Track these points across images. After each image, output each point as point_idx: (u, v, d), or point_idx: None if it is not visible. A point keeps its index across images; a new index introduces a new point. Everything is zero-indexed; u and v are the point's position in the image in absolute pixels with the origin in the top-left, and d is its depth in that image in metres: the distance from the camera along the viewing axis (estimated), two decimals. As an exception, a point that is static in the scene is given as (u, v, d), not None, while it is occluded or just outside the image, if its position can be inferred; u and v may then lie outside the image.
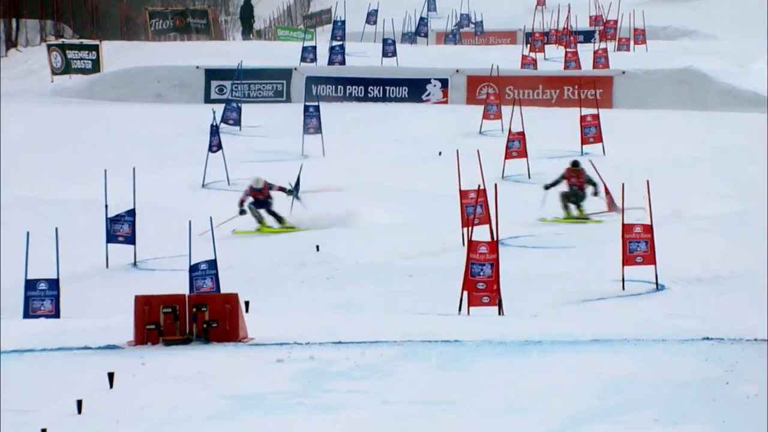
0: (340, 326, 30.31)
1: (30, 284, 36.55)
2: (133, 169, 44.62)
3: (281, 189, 47.44)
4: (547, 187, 45.46)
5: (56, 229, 37.38)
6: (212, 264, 36.32)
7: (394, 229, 46.62)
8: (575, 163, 45.02)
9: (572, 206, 44.25)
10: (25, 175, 55.15)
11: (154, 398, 24.93)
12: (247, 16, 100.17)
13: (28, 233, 36.80)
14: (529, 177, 53.93)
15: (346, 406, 24.49)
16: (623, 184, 39.12)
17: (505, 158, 54.24)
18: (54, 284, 36.37)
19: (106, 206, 43.97)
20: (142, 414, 23.97)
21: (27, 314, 36.25)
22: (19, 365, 27.66)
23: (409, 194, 51.29)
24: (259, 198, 47.09)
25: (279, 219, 47.35)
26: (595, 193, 44.10)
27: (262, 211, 47.26)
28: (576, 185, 44.05)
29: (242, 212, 47.06)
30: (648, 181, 42.25)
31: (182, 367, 26.94)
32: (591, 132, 58.21)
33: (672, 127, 64.00)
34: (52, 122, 66.85)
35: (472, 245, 36.45)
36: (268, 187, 47.07)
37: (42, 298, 36.34)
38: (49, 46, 79.22)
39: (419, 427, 23.57)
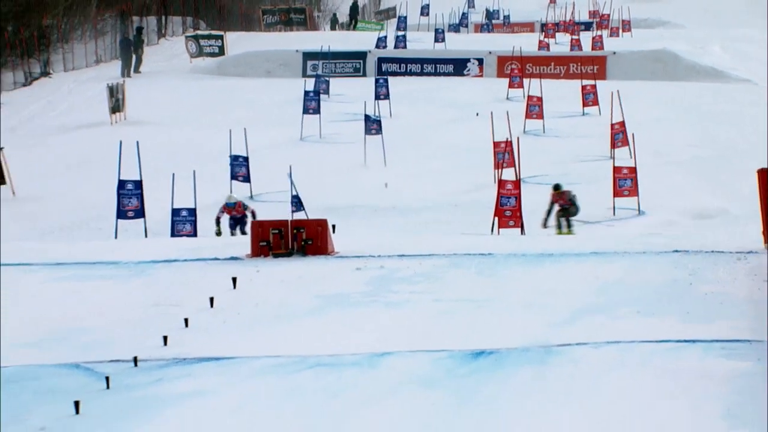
0: (403, 243, 30.31)
1: (175, 212, 36.73)
2: (244, 129, 44.63)
3: (253, 214, 37.16)
4: (545, 225, 38.11)
5: (194, 171, 37.48)
6: (297, 198, 36.65)
7: (443, 172, 46.53)
8: (556, 187, 38.72)
9: (563, 221, 38.13)
10: (172, 131, 55.22)
11: (266, 296, 25.03)
12: (353, 13, 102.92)
13: (173, 174, 36.95)
14: (544, 132, 54.08)
15: (407, 303, 24.59)
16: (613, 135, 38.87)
17: (526, 118, 54.15)
18: (192, 212, 36.53)
19: (231, 155, 44.00)
20: (257, 308, 24.01)
21: (173, 234, 36.39)
22: (168, 271, 27.78)
23: (454, 145, 51.17)
24: (235, 216, 37.44)
25: None
26: (574, 214, 38.19)
27: (237, 231, 37.44)
28: (564, 204, 38.10)
29: (218, 233, 37.09)
30: (633, 134, 42.19)
31: (286, 273, 27.03)
32: (590, 98, 58.51)
33: (651, 94, 63.89)
34: (191, 92, 66.97)
35: (501, 183, 36.84)
36: (243, 206, 37.58)
37: (184, 222, 36.45)
38: (186, 37, 79.72)
39: (462, 318, 23.65)
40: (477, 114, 55.32)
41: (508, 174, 40.11)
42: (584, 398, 19.49)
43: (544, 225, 37.82)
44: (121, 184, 36.87)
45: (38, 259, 29.54)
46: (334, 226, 31.27)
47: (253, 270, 27.33)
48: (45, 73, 70.16)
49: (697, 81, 69.40)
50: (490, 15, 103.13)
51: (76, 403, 19.60)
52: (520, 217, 35.76)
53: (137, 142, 37.75)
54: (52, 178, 46.29)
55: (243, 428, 18.72)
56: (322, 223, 29.60)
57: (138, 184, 36.67)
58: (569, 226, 37.88)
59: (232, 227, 37.26)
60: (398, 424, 18.71)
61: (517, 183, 36.58)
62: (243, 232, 36.05)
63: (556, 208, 38.18)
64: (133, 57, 72.61)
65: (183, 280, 27.02)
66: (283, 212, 36.29)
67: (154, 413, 19.37)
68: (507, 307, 24.41)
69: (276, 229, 29.09)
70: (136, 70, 72.41)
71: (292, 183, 36.82)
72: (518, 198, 35.75)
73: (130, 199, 36.62)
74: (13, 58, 67.04)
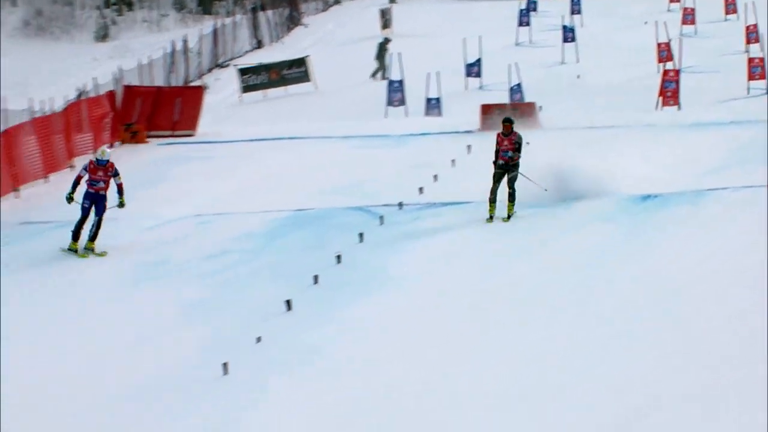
0: (594, 119, 29.73)
1: (428, 100, 36.26)
2: (479, 37, 43.84)
3: (120, 189, 19.64)
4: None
5: (437, 72, 36.88)
6: (518, 86, 35.91)
7: (620, 64, 45.13)
8: (507, 120, 20.77)
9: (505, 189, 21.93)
10: (424, 41, 54.50)
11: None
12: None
13: (428, 74, 36.51)
14: (696, 34, 51.72)
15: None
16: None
17: (682, 24, 51.71)
18: (438, 100, 35.90)
19: (388, 80, 42.72)
20: (487, 165, 23.57)
21: (426, 114, 36.04)
22: (422, 141, 27.77)
23: (628, 46, 49.44)
24: (97, 183, 19.45)
25: (93, 236, 19.57)
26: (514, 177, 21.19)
27: (92, 214, 19.58)
28: (506, 151, 24.40)
29: (69, 198, 19.60)
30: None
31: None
32: (731, 7, 54.96)
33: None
34: (439, 14, 65.99)
35: (665, 72, 35.90)
36: (114, 171, 19.59)
37: (433, 107, 36.18)
38: None
39: (633, 169, 23.18)
40: (645, 23, 53.53)
41: (670, 65, 39.10)
42: (726, 228, 19.26)
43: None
44: (390, 82, 37.12)
45: (336, 133, 29.92)
46: (540, 107, 30.93)
47: (482, 139, 27.18)
48: (336, 2, 70.35)
49: None
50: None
51: (361, 235, 19.95)
52: (678, 98, 34.96)
53: (399, 53, 37.66)
54: (342, 77, 46.51)
55: (478, 251, 18.89)
56: (532, 104, 29.23)
57: (401, 83, 36.76)
58: (511, 199, 20.49)
59: (86, 207, 19.50)
60: (590, 247, 18.70)
61: (676, 72, 35.74)
62: (98, 214, 19.49)
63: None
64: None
65: (432, 148, 27.03)
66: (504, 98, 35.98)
67: (414, 242, 19.66)
68: (667, 162, 23.99)
69: (499, 109, 28.99)
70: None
71: (513, 75, 36.39)
72: (677, 83, 34.97)
73: (396, 93, 36.85)
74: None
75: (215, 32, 51.45)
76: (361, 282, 17.61)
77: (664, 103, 34.69)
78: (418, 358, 14.52)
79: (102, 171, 19.38)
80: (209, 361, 14.51)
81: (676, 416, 12.43)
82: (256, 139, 29.49)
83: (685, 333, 14.72)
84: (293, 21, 60.30)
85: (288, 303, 16.58)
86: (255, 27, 55.77)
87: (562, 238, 19.27)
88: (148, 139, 29.94)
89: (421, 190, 21.94)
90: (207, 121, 31.99)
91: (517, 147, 20.24)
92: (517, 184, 20.34)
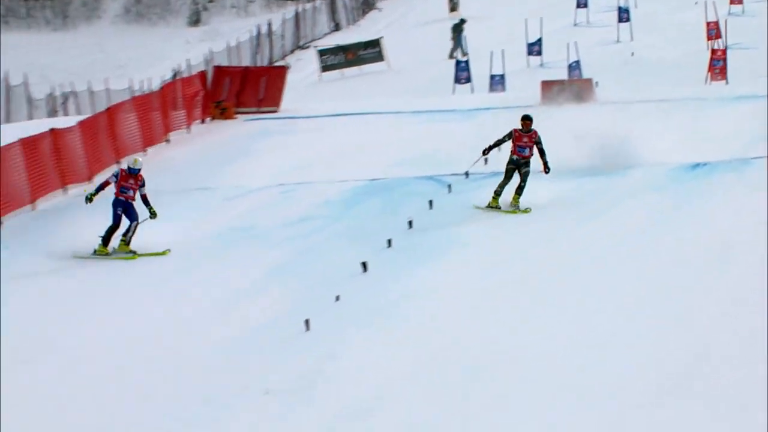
0: (650, 92, 29.35)
1: (492, 77, 36.21)
2: (540, 18, 43.39)
3: (145, 200, 18.19)
4: (486, 152, 20.17)
5: (502, 50, 36.59)
6: (577, 62, 35.54)
7: (671, 41, 44.47)
8: (526, 118, 19.37)
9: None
10: (488, 22, 54.11)
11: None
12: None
13: (491, 52, 36.29)
14: (743, 13, 50.72)
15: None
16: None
17: (730, 4, 50.67)
18: (502, 77, 35.86)
19: (456, 60, 42.81)
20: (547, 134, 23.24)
21: (490, 91, 35.87)
22: (486, 115, 27.58)
23: (679, 23, 48.67)
24: (126, 191, 18.10)
25: (128, 240, 18.23)
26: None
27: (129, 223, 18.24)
28: (524, 147, 19.50)
29: (89, 199, 18.26)
30: None
31: (576, 112, 26.43)
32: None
33: None
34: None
35: (713, 51, 35.41)
36: (142, 181, 18.23)
37: (497, 83, 36.08)
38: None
39: (685, 141, 22.85)
40: (695, 2, 52.64)
41: (719, 44, 38.47)
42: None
43: (486, 152, 19.72)
44: (458, 62, 37.06)
45: (407, 108, 29.86)
46: (597, 82, 30.65)
47: (542, 113, 26.92)
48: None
49: None
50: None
51: (430, 202, 19.90)
52: (725, 73, 34.44)
53: (464, 35, 37.45)
54: (413, 57, 46.34)
55: (540, 216, 18.79)
56: (589, 80, 29.21)
57: (467, 62, 36.67)
58: (519, 192, 19.08)
59: (118, 215, 18.12)
60: (645, 212, 18.55)
61: (723, 51, 35.19)
62: (133, 219, 18.16)
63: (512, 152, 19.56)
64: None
65: (495, 121, 26.80)
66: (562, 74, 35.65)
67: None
68: (714, 132, 23.72)
69: (558, 85, 28.83)
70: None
71: (570, 52, 36.06)
72: (724, 61, 34.43)
73: (462, 72, 36.75)
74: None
75: (297, 16, 51.56)
76: (431, 245, 17.59)
77: (713, 78, 34.27)
78: (484, 315, 14.49)
79: (132, 179, 18.05)
80: (293, 318, 14.60)
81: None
82: (334, 115, 29.51)
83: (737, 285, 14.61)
84: (368, 5, 60.14)
85: (364, 265, 16.61)
86: (333, 11, 55.74)
87: (620, 204, 19.11)
88: (236, 115, 30.03)
89: (486, 160, 21.79)
90: (289, 98, 32.07)
91: (537, 144, 18.77)
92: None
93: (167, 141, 27.13)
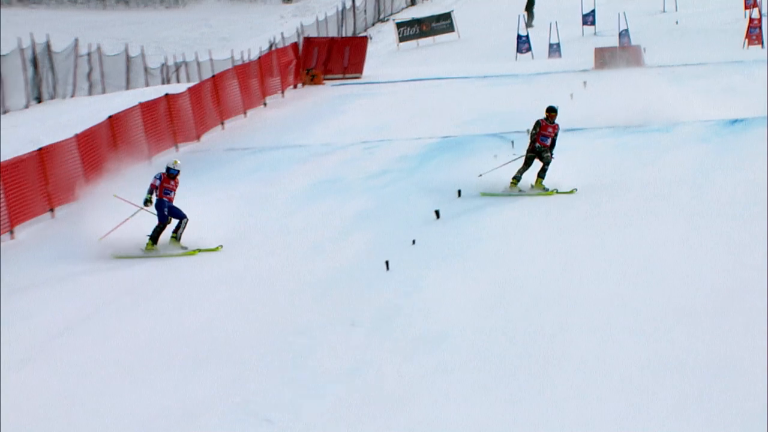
0: (691, 55, 28.64)
1: (551, 45, 35.47)
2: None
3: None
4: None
5: (556, 22, 35.98)
6: (626, 31, 34.78)
7: (710, 10, 43.25)
8: (551, 109, 17.60)
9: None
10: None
11: (611, 89, 23.90)
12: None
13: (550, 23, 35.69)
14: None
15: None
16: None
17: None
18: (558, 45, 35.20)
19: (518, 35, 41.93)
20: (600, 97, 22.77)
21: (549, 56, 35.38)
22: (545, 79, 27.14)
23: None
24: (169, 191, 16.20)
25: (179, 236, 16.31)
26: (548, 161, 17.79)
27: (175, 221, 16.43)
28: (546, 136, 17.53)
29: (147, 202, 16.18)
30: None
31: (623, 77, 25.68)
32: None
33: None
34: None
35: (750, 20, 34.46)
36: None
37: (554, 50, 35.48)
38: None
39: (724, 101, 22.26)
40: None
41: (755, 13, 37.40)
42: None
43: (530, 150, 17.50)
44: (519, 36, 36.79)
45: (475, 73, 29.56)
46: (644, 48, 29.99)
47: (596, 77, 26.44)
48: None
49: None
50: None
51: (495, 156, 19.65)
52: (761, 39, 33.52)
53: (520, 15, 36.81)
54: (481, 29, 45.81)
55: (598, 160, 18.46)
56: (637, 47, 28.46)
57: (527, 36, 36.44)
58: (542, 175, 17.28)
59: (165, 215, 16.28)
60: (690, 162, 18.13)
61: (759, 19, 34.30)
62: (181, 217, 16.25)
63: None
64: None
65: (553, 84, 26.42)
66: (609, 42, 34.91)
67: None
68: (751, 91, 23.11)
69: (610, 51, 28.28)
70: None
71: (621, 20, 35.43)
72: (760, 28, 33.64)
73: (524, 43, 36.46)
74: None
75: (377, -7, 51.22)
76: (496, 197, 17.37)
77: (750, 44, 33.47)
78: (544, 255, 14.30)
79: (173, 181, 16.05)
80: (374, 259, 14.54)
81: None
82: (410, 80, 29.37)
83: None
84: (440, -18, 59.43)
85: (437, 212, 16.49)
86: (409, -12, 55.31)
87: (669, 154, 18.81)
88: (324, 81, 30.05)
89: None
90: (371, 66, 31.97)
91: (555, 136, 16.95)
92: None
93: (264, 104, 27.25)
